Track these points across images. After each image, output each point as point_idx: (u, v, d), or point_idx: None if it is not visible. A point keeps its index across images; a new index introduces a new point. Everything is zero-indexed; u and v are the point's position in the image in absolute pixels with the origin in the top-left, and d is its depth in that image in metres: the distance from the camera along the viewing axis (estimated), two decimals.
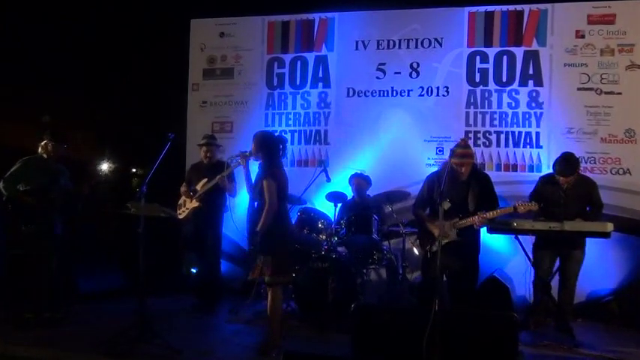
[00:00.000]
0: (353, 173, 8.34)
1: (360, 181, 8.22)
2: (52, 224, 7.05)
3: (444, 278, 6.59)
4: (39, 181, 6.97)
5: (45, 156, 7.14)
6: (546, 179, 7.19)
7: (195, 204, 7.78)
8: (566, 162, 6.88)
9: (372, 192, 8.35)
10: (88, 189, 7.28)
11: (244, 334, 6.36)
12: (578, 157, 7.19)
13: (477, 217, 6.44)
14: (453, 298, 6.56)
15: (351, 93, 9.12)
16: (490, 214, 6.41)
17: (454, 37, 8.78)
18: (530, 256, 6.82)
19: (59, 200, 7.02)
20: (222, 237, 8.23)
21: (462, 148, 6.70)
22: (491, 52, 8.65)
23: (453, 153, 6.70)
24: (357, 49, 9.16)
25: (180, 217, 7.88)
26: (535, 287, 7.06)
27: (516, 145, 8.51)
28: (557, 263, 7.01)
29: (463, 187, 6.63)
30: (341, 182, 8.46)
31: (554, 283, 7.01)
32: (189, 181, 8.06)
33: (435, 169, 7.90)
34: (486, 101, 8.66)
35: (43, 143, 7.13)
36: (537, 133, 8.44)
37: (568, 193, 6.88)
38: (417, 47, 8.92)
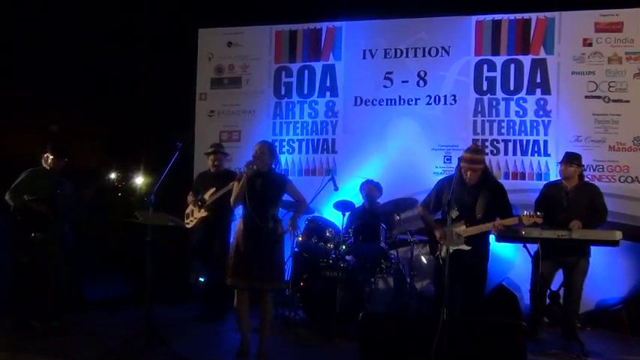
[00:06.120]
0: (364, 180, 8.35)
1: (371, 187, 8.22)
2: (62, 231, 7.08)
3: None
4: (44, 192, 6.99)
5: (47, 168, 7.15)
6: (551, 184, 7.30)
7: (203, 213, 7.76)
8: (568, 153, 7.06)
9: (380, 200, 8.35)
10: (91, 193, 7.28)
11: (252, 343, 6.33)
12: (586, 164, 7.21)
13: (492, 223, 6.43)
14: (462, 308, 6.53)
15: (358, 102, 9.13)
16: (499, 222, 6.41)
17: (461, 46, 8.79)
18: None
19: (65, 208, 7.04)
20: (230, 245, 8.22)
21: (469, 153, 6.66)
22: (499, 60, 8.66)
23: (461, 157, 6.69)
24: (364, 57, 9.18)
25: (189, 226, 7.87)
26: (532, 295, 7.00)
27: (524, 153, 8.50)
28: (559, 273, 6.99)
29: (472, 194, 6.60)
30: (349, 191, 8.47)
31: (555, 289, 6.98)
32: (196, 190, 8.04)
33: (442, 177, 7.86)
34: (494, 109, 8.65)
35: (45, 156, 7.15)
36: (545, 142, 8.43)
37: (571, 198, 6.89)
38: (424, 56, 8.94)
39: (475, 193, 6.61)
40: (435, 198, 6.87)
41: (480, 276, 6.63)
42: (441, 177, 7.86)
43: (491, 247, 6.79)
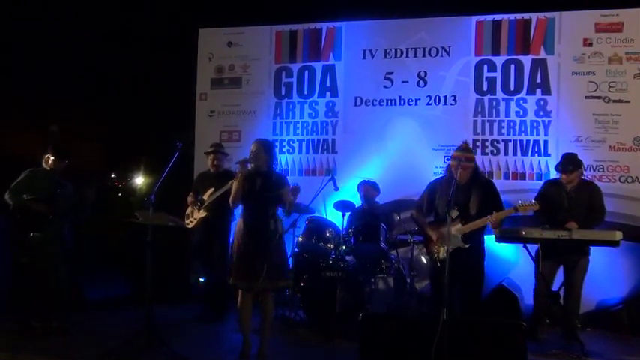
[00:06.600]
0: (361, 181, 8.35)
1: (368, 188, 8.23)
2: (61, 231, 7.08)
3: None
4: (44, 192, 6.99)
5: (48, 169, 7.15)
6: (551, 182, 7.28)
7: (202, 214, 7.76)
8: (566, 159, 7.01)
9: (380, 200, 8.35)
10: (94, 195, 7.28)
11: (252, 343, 6.33)
12: (586, 165, 7.20)
13: (489, 217, 6.42)
14: (461, 307, 6.53)
15: (358, 102, 9.13)
16: (495, 216, 6.41)
17: (462, 46, 8.78)
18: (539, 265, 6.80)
19: (64, 208, 7.04)
20: (230, 245, 8.22)
21: (460, 152, 6.64)
22: (499, 60, 8.65)
23: (452, 156, 6.71)
24: (364, 58, 9.17)
25: (189, 226, 7.87)
26: (536, 295, 7.00)
27: (524, 153, 8.50)
28: (560, 273, 6.98)
29: (464, 192, 6.59)
30: (349, 191, 8.46)
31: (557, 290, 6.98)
32: (196, 190, 8.04)
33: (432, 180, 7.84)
34: (494, 110, 8.65)
35: (45, 157, 7.14)
36: (545, 142, 8.42)
37: (571, 197, 6.89)
38: (424, 56, 8.93)
39: (467, 191, 6.60)
40: (427, 200, 6.88)
41: (478, 273, 6.63)
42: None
43: (492, 247, 6.81)
